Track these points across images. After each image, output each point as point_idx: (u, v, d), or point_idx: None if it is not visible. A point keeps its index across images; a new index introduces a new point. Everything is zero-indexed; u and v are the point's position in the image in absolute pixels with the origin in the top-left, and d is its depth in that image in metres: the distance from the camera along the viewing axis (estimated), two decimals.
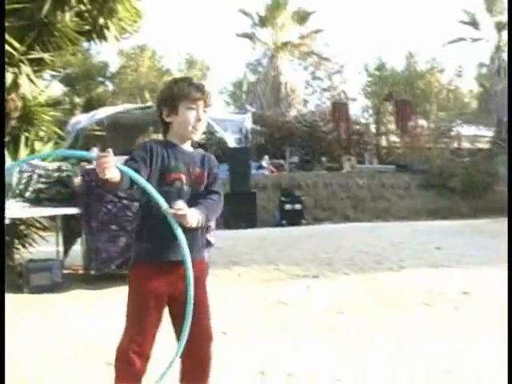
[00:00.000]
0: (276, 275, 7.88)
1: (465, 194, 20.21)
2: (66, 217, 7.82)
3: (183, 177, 3.06)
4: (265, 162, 22.16)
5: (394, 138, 26.84)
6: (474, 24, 26.80)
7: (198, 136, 3.16)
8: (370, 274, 7.71)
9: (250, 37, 32.41)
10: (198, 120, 3.10)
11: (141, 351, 3.06)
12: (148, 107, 22.13)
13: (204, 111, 3.12)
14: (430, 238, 10.95)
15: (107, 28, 8.24)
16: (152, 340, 3.11)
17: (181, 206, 2.92)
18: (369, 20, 64.06)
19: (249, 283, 7.30)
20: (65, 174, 7.69)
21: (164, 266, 3.04)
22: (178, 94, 3.09)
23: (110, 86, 27.98)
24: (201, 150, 3.28)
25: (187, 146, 3.17)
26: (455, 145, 25.87)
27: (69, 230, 8.06)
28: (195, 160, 3.15)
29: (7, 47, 7.23)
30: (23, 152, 8.07)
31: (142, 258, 3.09)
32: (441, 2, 58.47)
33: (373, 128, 26.63)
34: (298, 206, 17.98)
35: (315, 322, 5.47)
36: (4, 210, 6.69)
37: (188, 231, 2.94)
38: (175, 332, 3.12)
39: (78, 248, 8.02)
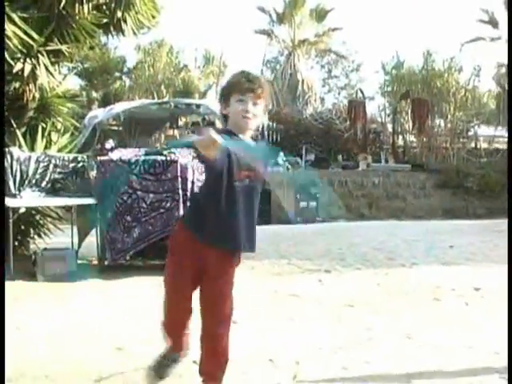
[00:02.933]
0: (288, 269, 7.92)
1: (481, 194, 20.13)
2: (81, 207, 7.91)
3: (251, 174, 3.12)
4: (280, 159, 22.15)
5: (410, 138, 26.73)
6: (492, 23, 26.67)
7: (253, 126, 3.19)
8: (382, 270, 7.73)
9: (268, 34, 32.41)
10: (246, 111, 3.12)
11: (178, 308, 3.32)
12: (165, 102, 22.16)
13: (256, 103, 3.14)
14: (444, 237, 10.94)
15: (124, 21, 8.31)
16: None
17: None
18: (387, 18, 63.81)
19: (261, 276, 7.34)
20: (80, 164, 7.78)
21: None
22: (230, 87, 3.20)
23: (127, 81, 28.09)
24: (260, 143, 3.36)
25: (249, 139, 3.21)
26: (472, 145, 25.72)
27: (83, 220, 8.15)
28: (259, 155, 3.18)
29: (26, 38, 7.32)
30: (40, 142, 8.16)
31: (189, 228, 3.23)
32: (460, 0, 58.10)
33: (389, 127, 26.51)
34: (312, 204, 17.98)
35: (324, 313, 5.51)
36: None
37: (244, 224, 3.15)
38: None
39: (92, 239, 8.09)
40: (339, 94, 40.18)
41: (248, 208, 3.17)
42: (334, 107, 29.06)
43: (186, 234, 3.23)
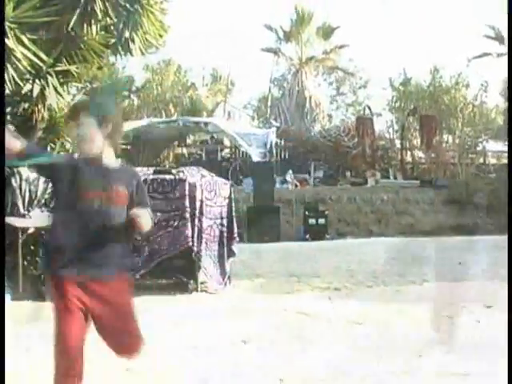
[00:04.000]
0: (298, 287, 7.89)
1: (490, 210, 20.03)
2: None
3: (103, 195, 2.95)
4: (289, 176, 22.17)
5: (418, 154, 26.69)
6: (499, 39, 26.70)
7: (91, 149, 3.01)
8: (392, 287, 7.69)
9: (275, 51, 32.51)
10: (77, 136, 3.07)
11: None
12: (173, 121, 22.33)
13: (78, 123, 3.03)
14: (454, 253, 10.89)
15: (132, 41, 8.33)
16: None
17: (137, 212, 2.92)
18: (393, 35, 63.94)
19: (270, 294, 7.31)
20: None
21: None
22: None
23: (136, 100, 28.20)
24: (128, 168, 3.27)
25: (113, 162, 3.07)
26: (481, 160, 25.66)
27: None
28: (119, 178, 3.05)
29: (35, 59, 7.36)
30: None
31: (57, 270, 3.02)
32: (466, 16, 58.20)
33: (398, 143, 26.48)
34: (321, 221, 17.95)
35: (334, 331, 5.48)
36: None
37: (103, 244, 2.97)
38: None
39: None
40: (347, 110, 40.15)
41: (101, 233, 2.96)
42: (341, 124, 29.09)
43: (58, 275, 3.03)
